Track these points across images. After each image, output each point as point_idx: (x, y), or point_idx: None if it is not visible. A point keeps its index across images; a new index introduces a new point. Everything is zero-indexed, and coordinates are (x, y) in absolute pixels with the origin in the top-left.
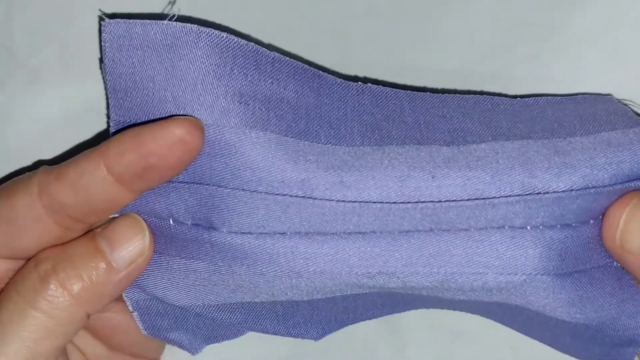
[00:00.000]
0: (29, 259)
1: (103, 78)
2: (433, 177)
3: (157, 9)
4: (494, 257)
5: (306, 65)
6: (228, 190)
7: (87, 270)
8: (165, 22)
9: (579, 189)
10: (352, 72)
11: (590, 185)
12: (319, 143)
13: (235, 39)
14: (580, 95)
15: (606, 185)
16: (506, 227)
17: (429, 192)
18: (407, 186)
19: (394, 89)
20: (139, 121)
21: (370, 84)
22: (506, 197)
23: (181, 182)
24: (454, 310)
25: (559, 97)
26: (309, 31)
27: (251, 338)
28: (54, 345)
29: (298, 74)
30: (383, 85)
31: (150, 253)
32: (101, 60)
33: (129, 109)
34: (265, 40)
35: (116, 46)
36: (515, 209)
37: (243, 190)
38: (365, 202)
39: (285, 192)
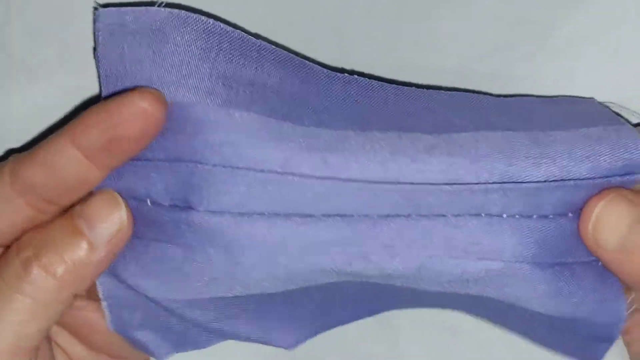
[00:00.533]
0: (7, 246)
1: (96, 65)
2: (413, 161)
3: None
4: (472, 242)
5: (292, 55)
6: (208, 166)
7: (68, 252)
8: (154, 8)
9: (557, 180)
10: (350, 70)
11: (568, 177)
12: (302, 126)
13: (222, 26)
14: (561, 97)
15: (585, 179)
16: (483, 215)
17: (410, 175)
18: (388, 168)
19: (380, 82)
20: None
21: (356, 76)
22: (484, 184)
23: (161, 160)
24: (428, 307)
25: (542, 98)
26: (307, 29)
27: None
28: (40, 327)
29: (283, 62)
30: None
31: (129, 228)
32: (94, 49)
33: (117, 93)
34: (266, 33)
35: (108, 33)
36: (493, 196)
37: (223, 167)
38: (346, 180)
39: (265, 169)
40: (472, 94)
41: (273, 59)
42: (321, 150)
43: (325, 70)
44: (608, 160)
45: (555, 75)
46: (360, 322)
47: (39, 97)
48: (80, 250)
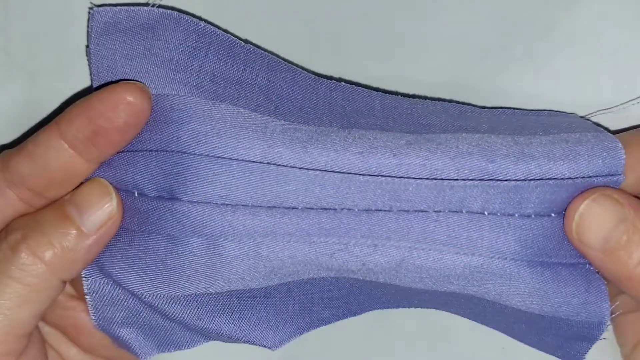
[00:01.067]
0: None
1: (88, 62)
2: (394, 155)
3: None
4: (451, 236)
5: (280, 59)
6: (193, 156)
7: (57, 236)
8: (147, 8)
9: (536, 179)
10: (346, 72)
11: (547, 176)
12: (287, 121)
13: (213, 28)
14: (545, 110)
15: (565, 178)
16: (464, 212)
17: (390, 169)
18: (369, 161)
19: (366, 89)
20: None
21: (343, 83)
22: (464, 180)
23: (148, 150)
24: (412, 307)
25: (524, 110)
26: (304, 31)
27: None
28: (31, 312)
29: (271, 65)
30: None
31: (119, 217)
32: (87, 47)
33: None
34: (262, 42)
35: (101, 31)
36: (473, 192)
37: (208, 156)
38: (327, 170)
39: (249, 158)
40: (455, 103)
41: (261, 62)
42: (302, 141)
43: (312, 75)
44: (587, 160)
45: (550, 76)
46: (355, 322)
47: (37, 99)
48: (69, 236)
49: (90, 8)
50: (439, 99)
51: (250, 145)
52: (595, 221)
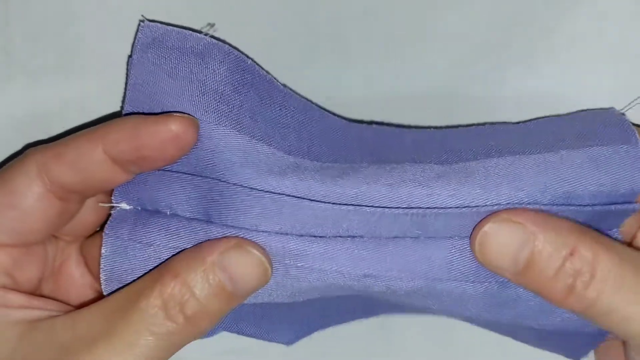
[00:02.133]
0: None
1: (127, 71)
2: (423, 186)
3: (156, 11)
4: (473, 267)
5: (313, 105)
6: (227, 184)
7: (215, 308)
8: (198, 35)
9: (561, 205)
10: (346, 72)
11: (571, 202)
12: (319, 162)
13: (257, 67)
14: (582, 112)
15: (585, 205)
16: None
17: (419, 200)
18: (399, 192)
19: (397, 127)
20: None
21: (374, 125)
22: (493, 205)
23: (184, 173)
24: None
25: (559, 116)
26: (305, 30)
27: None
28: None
29: (305, 108)
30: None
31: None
32: (129, 56)
33: (143, 101)
34: (262, 42)
35: (148, 45)
36: None
37: (242, 186)
38: (358, 205)
39: (282, 191)
40: (488, 125)
41: (295, 105)
42: (334, 176)
43: (342, 119)
44: (609, 188)
45: (549, 76)
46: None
47: (38, 99)
48: (226, 306)
49: (142, 20)
50: (468, 125)
51: (283, 180)
52: (496, 248)
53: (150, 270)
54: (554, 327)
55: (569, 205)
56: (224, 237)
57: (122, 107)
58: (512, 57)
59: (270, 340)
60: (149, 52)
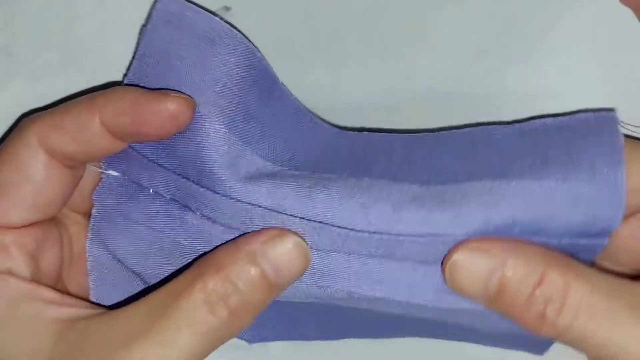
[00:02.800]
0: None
1: (138, 40)
2: (394, 211)
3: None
4: (438, 289)
5: (306, 109)
6: (204, 189)
7: (258, 300)
8: (216, 18)
9: (530, 236)
10: (345, 71)
11: (541, 235)
12: (296, 170)
13: (265, 63)
14: (574, 117)
15: (556, 239)
16: None
17: (388, 225)
18: (368, 215)
19: (388, 134)
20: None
21: (365, 132)
22: (460, 235)
23: (166, 168)
24: (389, 337)
25: (548, 119)
26: (304, 30)
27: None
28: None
29: (297, 115)
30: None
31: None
32: (143, 26)
33: (147, 74)
34: (262, 42)
35: (164, 20)
36: None
37: (214, 192)
38: (327, 224)
39: (252, 200)
40: (476, 132)
41: (289, 109)
42: (310, 187)
43: (334, 128)
44: (581, 226)
45: (547, 76)
46: None
47: (40, 97)
48: (267, 299)
49: None
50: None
51: (258, 185)
52: (466, 276)
53: (132, 243)
54: (512, 332)
55: (540, 236)
56: (265, 228)
57: (124, 74)
58: (511, 57)
59: (238, 337)
60: (162, 26)
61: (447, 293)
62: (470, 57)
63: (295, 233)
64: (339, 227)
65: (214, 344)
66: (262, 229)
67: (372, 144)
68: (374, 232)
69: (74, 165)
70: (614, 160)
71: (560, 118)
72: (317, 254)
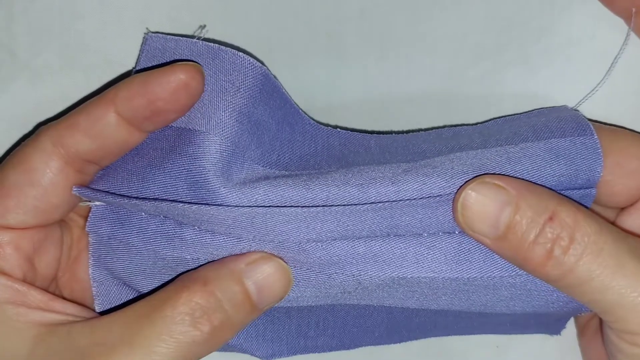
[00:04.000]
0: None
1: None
2: (392, 183)
3: (157, 11)
4: (443, 260)
5: (291, 101)
6: (197, 207)
7: (239, 318)
8: (193, 40)
9: None
10: (343, 72)
11: None
12: (287, 170)
13: (247, 60)
14: (536, 110)
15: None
16: (456, 232)
17: (388, 196)
18: (368, 191)
19: (362, 133)
20: None
21: (339, 129)
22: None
23: (147, 197)
24: (400, 342)
25: (515, 115)
26: (302, 31)
27: None
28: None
29: (285, 107)
30: (351, 129)
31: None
32: (135, 68)
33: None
34: (262, 41)
35: (150, 56)
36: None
37: (212, 204)
38: (328, 205)
39: (252, 202)
40: (448, 127)
41: (279, 102)
42: (305, 181)
43: (312, 121)
44: (568, 178)
45: (545, 78)
46: None
47: (41, 97)
48: (249, 316)
49: (146, 33)
50: (432, 128)
51: (255, 188)
52: (478, 209)
53: (133, 263)
54: (525, 311)
55: None
56: (249, 251)
57: None
58: (509, 58)
59: (247, 352)
60: (151, 62)
61: (455, 262)
62: (468, 59)
63: (280, 257)
64: (341, 205)
65: (190, 359)
66: (247, 252)
67: (348, 140)
68: (375, 203)
69: (89, 169)
70: (580, 123)
71: (521, 113)
72: (322, 245)
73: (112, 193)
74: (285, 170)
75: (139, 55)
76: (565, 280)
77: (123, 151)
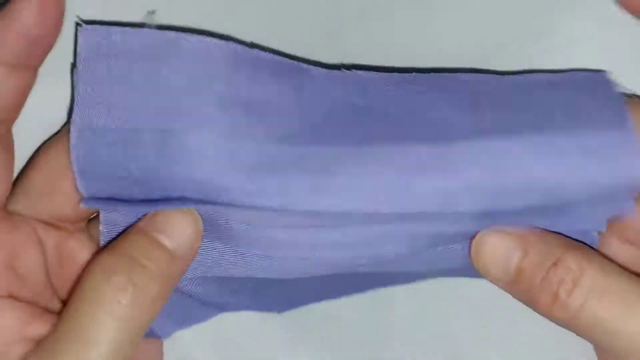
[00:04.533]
0: None
1: (74, 82)
2: (406, 189)
3: (157, 14)
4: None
5: (287, 60)
6: (204, 205)
7: (161, 273)
8: (145, 30)
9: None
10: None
11: (559, 198)
12: (298, 146)
13: (214, 43)
14: (569, 73)
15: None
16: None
17: (400, 205)
18: (379, 201)
19: (381, 74)
20: (103, 125)
21: (355, 71)
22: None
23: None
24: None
25: (548, 79)
26: (301, 29)
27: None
28: (132, 339)
29: (278, 71)
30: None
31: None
32: (73, 65)
33: (97, 114)
34: (260, 41)
35: (93, 54)
36: (485, 222)
37: (225, 206)
38: (337, 212)
39: (261, 204)
40: (474, 76)
41: (268, 70)
42: (315, 173)
43: (322, 70)
44: (599, 182)
45: None
46: (352, 322)
47: (41, 99)
48: (174, 270)
49: (78, 24)
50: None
51: (263, 188)
52: (491, 255)
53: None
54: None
55: (561, 196)
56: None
57: (68, 116)
58: (509, 59)
59: (265, 311)
60: (95, 61)
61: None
62: (468, 59)
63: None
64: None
65: (134, 327)
66: None
67: (364, 87)
68: (387, 214)
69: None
70: (619, 112)
71: (554, 75)
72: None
73: (121, 200)
74: (296, 145)
75: (77, 53)
76: (574, 323)
77: (24, 96)
